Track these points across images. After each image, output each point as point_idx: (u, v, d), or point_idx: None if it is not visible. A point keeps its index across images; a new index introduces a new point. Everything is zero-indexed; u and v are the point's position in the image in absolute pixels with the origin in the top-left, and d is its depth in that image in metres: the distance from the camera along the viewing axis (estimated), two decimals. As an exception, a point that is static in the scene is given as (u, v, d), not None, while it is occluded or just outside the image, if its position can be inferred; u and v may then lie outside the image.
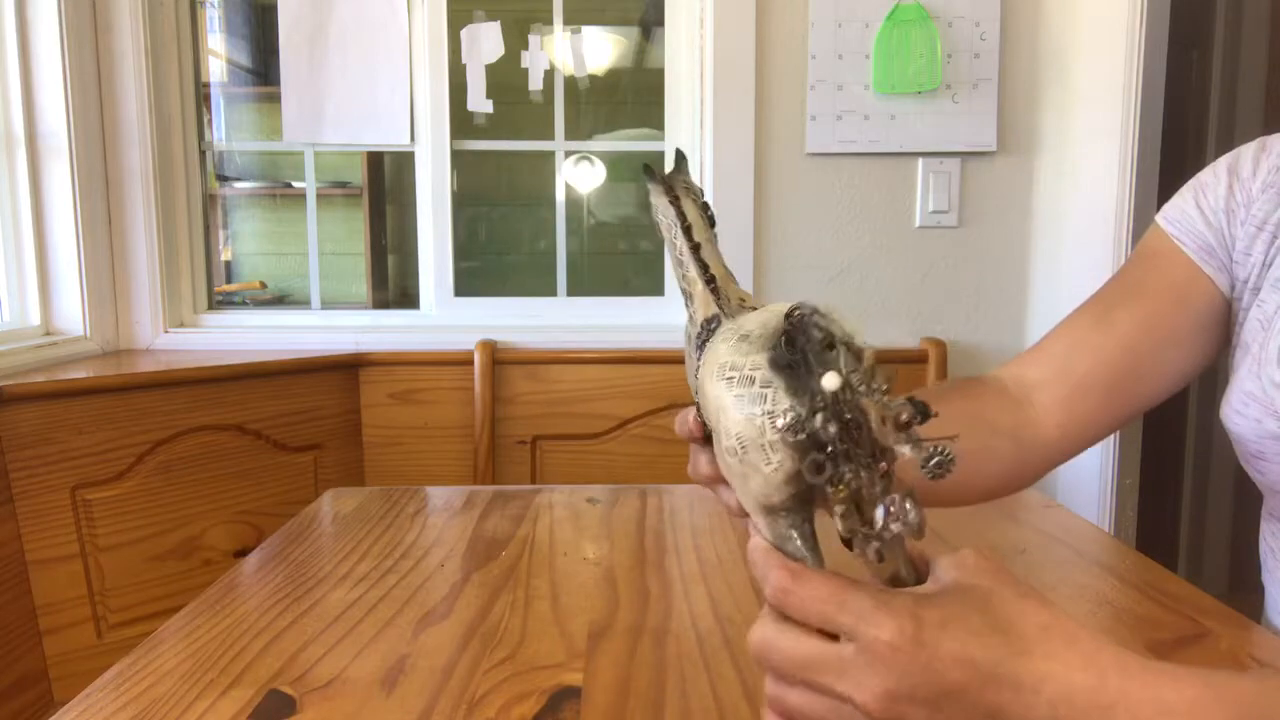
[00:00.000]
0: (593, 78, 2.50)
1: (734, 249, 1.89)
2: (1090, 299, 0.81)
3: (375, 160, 3.17)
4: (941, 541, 0.86)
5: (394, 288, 3.25)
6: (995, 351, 1.91)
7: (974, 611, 0.37)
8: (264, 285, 2.74)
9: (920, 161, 1.87)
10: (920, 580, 0.40)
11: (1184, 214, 0.80)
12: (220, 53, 2.78)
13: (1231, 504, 2.63)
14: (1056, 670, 0.36)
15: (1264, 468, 0.75)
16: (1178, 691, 0.37)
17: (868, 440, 0.32)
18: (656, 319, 2.03)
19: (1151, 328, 0.77)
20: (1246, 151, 0.80)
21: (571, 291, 2.09)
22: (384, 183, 3.29)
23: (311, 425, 1.81)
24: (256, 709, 0.56)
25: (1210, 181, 0.81)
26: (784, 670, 0.39)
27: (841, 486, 0.33)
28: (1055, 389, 0.75)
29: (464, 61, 2.01)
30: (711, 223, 0.49)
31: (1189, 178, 0.84)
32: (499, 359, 1.86)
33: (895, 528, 0.35)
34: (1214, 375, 2.22)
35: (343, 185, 3.14)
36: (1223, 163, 0.81)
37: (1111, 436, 1.71)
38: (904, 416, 0.31)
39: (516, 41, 2.04)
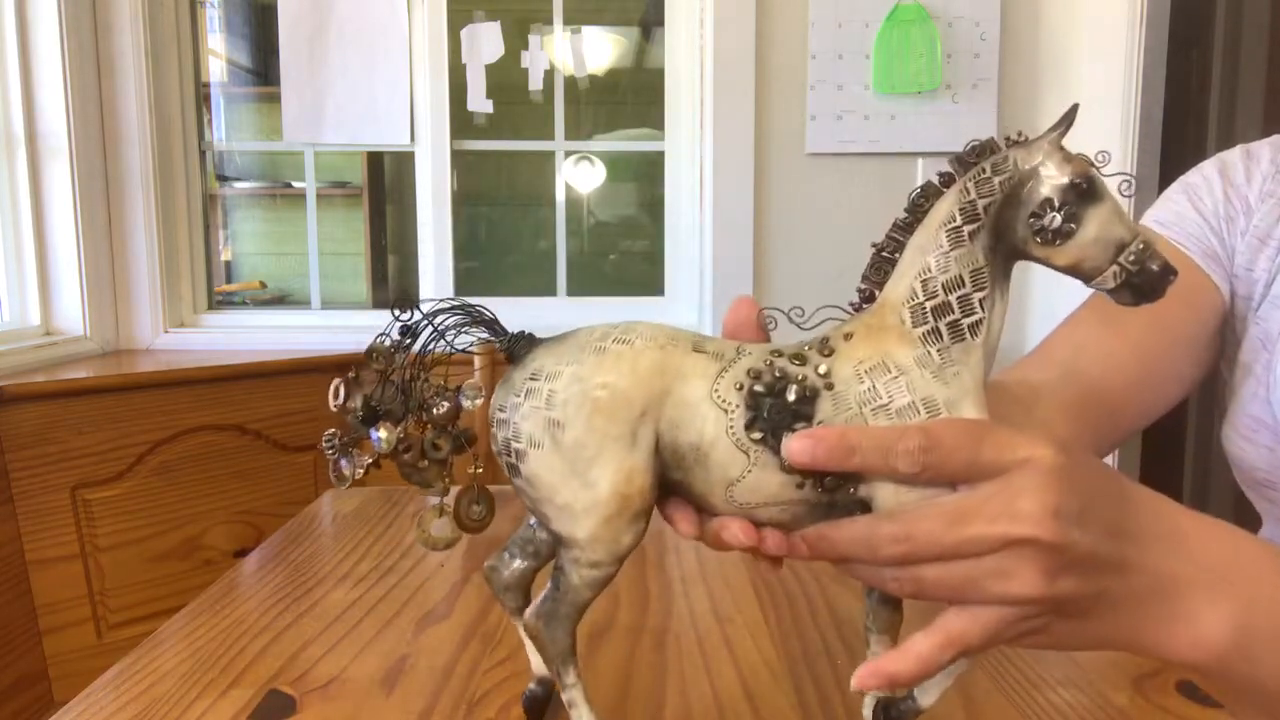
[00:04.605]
0: (593, 78, 2.49)
1: (734, 249, 1.89)
2: (1091, 300, 0.75)
3: (375, 160, 3.17)
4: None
5: (394, 288, 3.25)
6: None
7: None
8: (264, 285, 2.73)
9: (920, 161, 1.87)
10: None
11: (1181, 217, 0.76)
12: (220, 53, 2.77)
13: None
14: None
15: (1276, 496, 0.71)
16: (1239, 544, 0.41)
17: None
18: (656, 319, 2.02)
19: (1163, 330, 0.73)
20: (1233, 158, 0.77)
21: (571, 291, 2.09)
22: (384, 183, 3.29)
23: (311, 425, 1.81)
24: (256, 709, 0.56)
25: (1201, 184, 0.77)
26: (930, 541, 0.36)
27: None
28: (1063, 393, 0.69)
29: (464, 61, 2.01)
30: (1039, 233, 0.38)
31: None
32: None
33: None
34: (1212, 395, 2.21)
35: (343, 185, 3.13)
36: (1210, 167, 0.78)
37: (1110, 457, 1.69)
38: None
39: (516, 41, 2.04)
